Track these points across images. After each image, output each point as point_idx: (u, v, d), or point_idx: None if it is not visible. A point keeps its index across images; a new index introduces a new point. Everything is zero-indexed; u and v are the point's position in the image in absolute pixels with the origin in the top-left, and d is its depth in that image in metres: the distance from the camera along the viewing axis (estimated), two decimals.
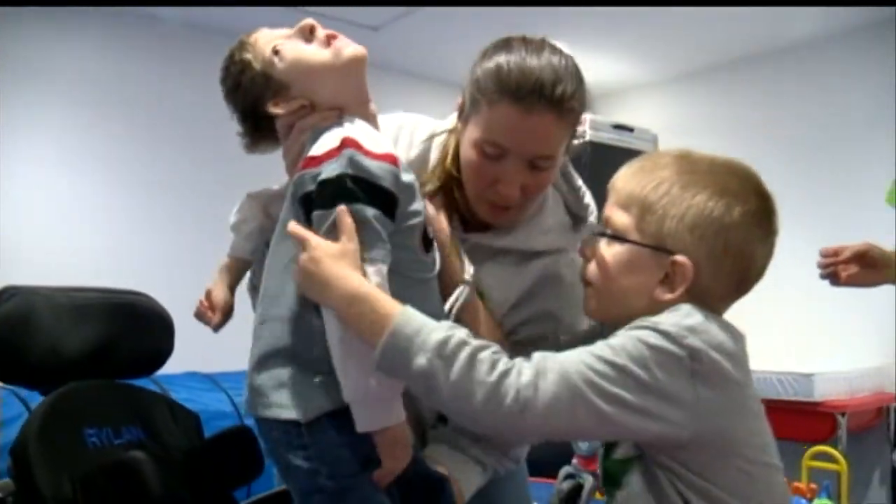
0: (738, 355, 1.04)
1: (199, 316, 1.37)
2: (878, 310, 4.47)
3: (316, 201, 1.10)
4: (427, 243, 1.22)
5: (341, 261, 1.05)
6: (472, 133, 1.28)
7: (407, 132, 1.48)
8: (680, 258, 1.06)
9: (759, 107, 5.20)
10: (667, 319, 1.02)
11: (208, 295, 1.36)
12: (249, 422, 1.31)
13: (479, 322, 1.33)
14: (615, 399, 0.96)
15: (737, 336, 1.06)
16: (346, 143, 1.11)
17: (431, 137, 1.45)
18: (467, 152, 1.30)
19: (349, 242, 1.06)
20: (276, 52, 1.23)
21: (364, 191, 1.09)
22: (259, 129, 1.28)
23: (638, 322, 1.03)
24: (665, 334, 0.99)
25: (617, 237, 1.11)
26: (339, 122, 1.19)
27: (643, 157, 1.18)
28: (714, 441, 1.01)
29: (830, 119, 4.80)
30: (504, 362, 0.98)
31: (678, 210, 1.07)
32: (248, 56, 1.24)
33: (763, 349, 4.70)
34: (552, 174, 1.34)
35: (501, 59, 1.26)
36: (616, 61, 5.38)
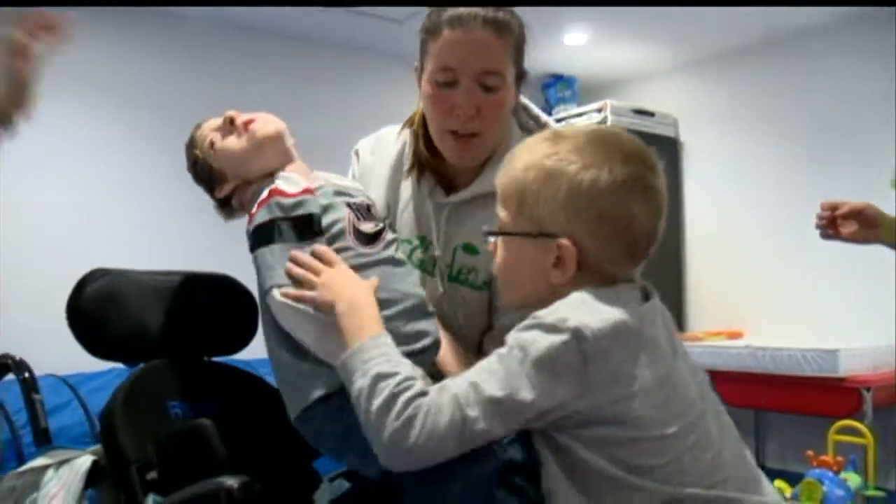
0: (626, 331, 1.02)
1: None
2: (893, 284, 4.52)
3: (253, 244, 1.37)
4: (368, 238, 1.42)
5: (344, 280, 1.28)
6: (427, 71, 1.41)
7: (384, 139, 1.64)
8: (562, 241, 1.07)
9: (781, 92, 5.18)
10: (550, 309, 1.03)
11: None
12: None
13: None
14: (500, 400, 1.00)
15: (634, 308, 1.06)
16: (272, 192, 1.39)
17: (402, 131, 1.61)
18: (425, 90, 1.42)
19: (342, 265, 1.30)
20: (211, 146, 1.53)
21: (286, 225, 1.35)
22: (223, 206, 1.58)
23: (525, 322, 1.04)
24: (547, 327, 1.01)
25: (502, 233, 1.14)
26: (271, 181, 1.44)
27: (516, 148, 1.17)
28: (612, 415, 1.01)
29: (853, 103, 4.83)
30: (413, 407, 1.01)
31: (550, 191, 1.07)
32: (197, 151, 1.56)
33: (788, 327, 4.80)
34: (505, 97, 1.41)
35: (440, 7, 1.40)
36: (636, 47, 5.40)
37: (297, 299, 1.27)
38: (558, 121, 5.52)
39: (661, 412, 1.03)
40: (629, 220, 1.08)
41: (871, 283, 4.54)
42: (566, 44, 5.16)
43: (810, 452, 3.50)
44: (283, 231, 1.34)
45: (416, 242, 1.52)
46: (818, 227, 2.09)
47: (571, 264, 1.07)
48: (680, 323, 5.17)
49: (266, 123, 1.51)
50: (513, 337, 1.03)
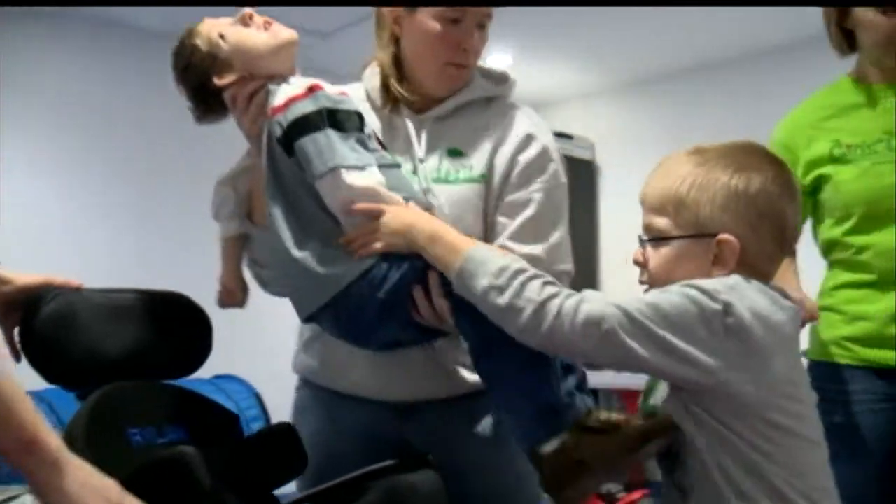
0: (771, 321, 1.13)
1: (224, 302, 1.63)
2: None
3: (304, 128, 1.39)
4: (380, 141, 1.57)
5: (411, 213, 1.36)
6: (429, 12, 1.57)
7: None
8: (724, 236, 1.19)
9: (690, 118, 5.44)
10: (710, 281, 1.15)
11: (220, 286, 1.63)
12: None
13: None
14: (649, 335, 1.10)
15: (781, 305, 1.17)
16: (315, 87, 1.44)
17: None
18: (430, 26, 1.57)
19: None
20: (221, 36, 1.50)
21: (335, 117, 1.42)
22: (206, 103, 1.55)
23: (685, 282, 1.16)
24: (705, 292, 1.12)
25: (661, 238, 1.26)
26: (285, 80, 1.49)
27: (660, 163, 1.33)
28: (738, 393, 1.11)
29: (754, 133, 5.05)
30: (553, 287, 1.15)
31: (707, 196, 1.21)
32: (197, 41, 1.51)
33: None
34: (487, 35, 1.65)
35: None
36: (557, 71, 5.55)
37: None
38: None
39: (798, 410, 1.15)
40: (782, 217, 1.23)
41: None
42: (490, 65, 5.20)
43: None
44: (334, 121, 1.41)
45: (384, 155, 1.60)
46: None
47: (733, 258, 1.19)
48: None
49: (285, 28, 1.54)
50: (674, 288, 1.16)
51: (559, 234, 1.64)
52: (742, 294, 1.13)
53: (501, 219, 1.61)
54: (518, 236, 1.58)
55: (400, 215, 1.34)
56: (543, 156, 1.67)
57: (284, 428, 1.60)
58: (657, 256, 1.27)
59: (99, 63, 4.68)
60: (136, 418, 1.49)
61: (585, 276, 5.51)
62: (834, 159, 1.99)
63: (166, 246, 4.76)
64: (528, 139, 1.67)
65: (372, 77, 1.70)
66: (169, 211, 4.89)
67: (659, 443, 1.15)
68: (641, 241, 1.30)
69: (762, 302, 1.14)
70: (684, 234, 1.23)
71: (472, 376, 1.53)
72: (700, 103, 5.42)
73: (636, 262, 1.31)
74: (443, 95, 1.66)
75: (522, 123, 1.69)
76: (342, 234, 1.40)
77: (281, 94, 1.44)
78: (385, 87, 1.67)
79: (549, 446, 1.18)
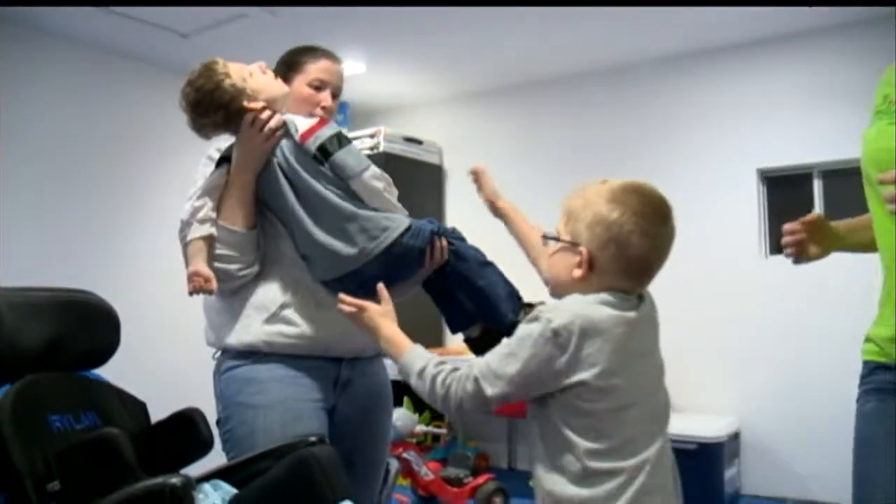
0: (593, 329, 1.43)
1: (199, 289, 1.88)
2: None
3: (334, 146, 1.92)
4: None
5: (385, 318, 1.73)
6: (302, 79, 2.14)
7: None
8: (582, 248, 1.51)
9: (530, 128, 5.87)
10: (553, 306, 1.49)
11: (197, 273, 1.88)
12: None
13: None
14: (502, 376, 1.46)
15: (606, 318, 1.45)
16: (324, 120, 2.01)
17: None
18: (302, 90, 2.13)
19: (388, 305, 1.75)
20: (250, 74, 2.01)
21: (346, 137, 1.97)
22: (228, 123, 1.99)
23: (533, 313, 1.48)
24: (534, 319, 1.46)
25: (554, 238, 1.60)
26: (299, 115, 2.03)
27: (582, 184, 1.62)
28: (565, 396, 1.44)
29: (585, 143, 5.56)
30: (447, 380, 1.52)
31: (584, 215, 1.52)
32: (229, 71, 1.98)
33: None
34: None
35: (296, 46, 2.23)
36: (408, 79, 5.80)
37: None
38: None
39: (617, 392, 1.45)
40: (627, 246, 1.49)
41: None
42: (345, 72, 5.40)
43: None
44: (347, 139, 1.96)
45: None
46: (789, 254, 2.01)
47: (585, 266, 1.50)
48: (439, 339, 5.55)
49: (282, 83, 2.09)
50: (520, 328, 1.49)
51: None
52: (569, 309, 1.46)
53: None
54: None
55: (374, 318, 1.73)
56: None
57: (189, 413, 1.78)
58: (550, 249, 1.63)
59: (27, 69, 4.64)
60: (56, 406, 1.64)
61: None
62: None
63: (82, 247, 4.81)
64: None
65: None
66: (86, 215, 4.91)
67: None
68: (544, 234, 1.72)
69: (587, 310, 1.46)
70: (565, 237, 1.56)
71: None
72: (538, 114, 5.85)
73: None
74: None
75: None
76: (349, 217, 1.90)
77: (303, 126, 1.96)
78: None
79: (475, 331, 1.98)
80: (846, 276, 4.69)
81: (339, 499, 1.54)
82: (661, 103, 5.37)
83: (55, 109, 4.77)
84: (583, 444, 1.42)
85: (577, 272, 1.51)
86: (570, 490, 1.43)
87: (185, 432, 1.77)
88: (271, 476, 1.56)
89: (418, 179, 5.82)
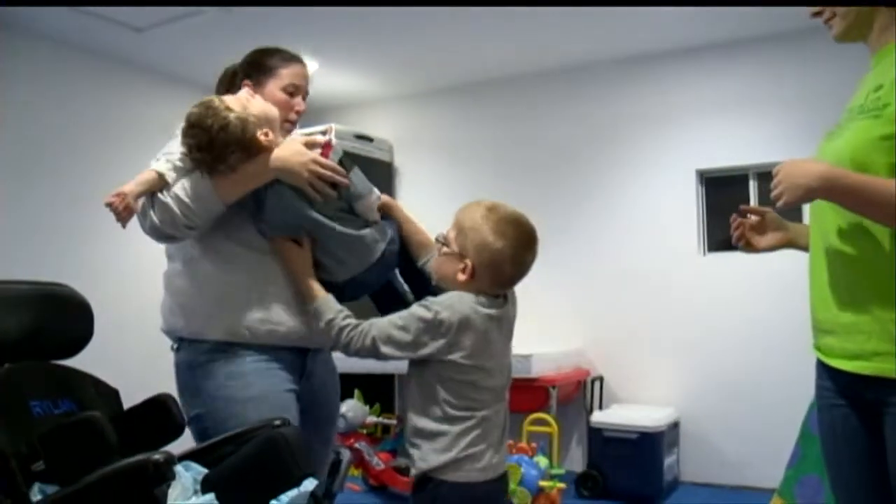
0: (467, 325, 1.85)
1: (114, 208, 1.94)
2: (578, 300, 5.43)
3: (348, 165, 2.07)
4: None
5: (307, 264, 2.06)
6: (276, 84, 2.18)
7: None
8: (468, 262, 1.90)
9: (475, 128, 6.03)
10: (437, 299, 1.90)
11: (124, 195, 1.94)
12: None
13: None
14: (394, 341, 1.87)
15: (477, 317, 1.88)
16: (329, 145, 2.05)
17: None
18: (277, 95, 2.16)
19: (307, 252, 2.04)
20: (247, 100, 2.05)
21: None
22: (236, 158, 1.99)
23: (422, 301, 1.90)
24: (427, 307, 1.86)
25: (445, 244, 1.97)
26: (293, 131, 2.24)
27: (473, 203, 1.97)
28: (440, 366, 1.87)
29: (531, 141, 5.74)
30: (351, 333, 1.90)
31: (472, 236, 1.91)
32: (228, 105, 2.01)
33: None
34: None
35: (268, 48, 2.26)
36: (359, 77, 5.92)
37: None
38: None
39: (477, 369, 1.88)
40: (500, 269, 1.91)
41: (559, 296, 5.39)
42: None
43: (510, 441, 4.05)
44: (353, 162, 2.10)
45: None
46: (735, 242, 2.14)
47: (468, 274, 1.91)
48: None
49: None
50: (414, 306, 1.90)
51: None
52: (453, 307, 1.86)
53: None
54: None
55: (306, 261, 2.06)
56: None
57: (160, 399, 1.89)
58: (440, 252, 1.99)
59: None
60: (36, 392, 1.73)
61: None
62: None
63: (61, 243, 4.89)
64: None
65: None
66: (64, 213, 4.98)
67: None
68: (437, 238, 2.02)
69: (466, 310, 1.86)
70: (454, 248, 1.94)
71: None
72: (486, 113, 6.02)
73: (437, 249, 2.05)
74: None
75: None
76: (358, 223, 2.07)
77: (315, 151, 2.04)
78: None
79: None
80: (781, 272, 4.93)
81: (305, 475, 1.67)
82: (605, 105, 5.58)
83: (17, 104, 4.80)
84: (447, 398, 1.87)
85: (461, 276, 1.91)
86: (432, 425, 1.88)
87: (159, 417, 1.87)
88: (241, 455, 1.68)
89: (369, 176, 5.83)
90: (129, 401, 1.94)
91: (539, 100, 5.80)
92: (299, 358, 2.13)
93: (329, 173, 1.99)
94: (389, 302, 2.15)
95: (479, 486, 1.89)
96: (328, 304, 1.97)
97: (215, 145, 1.96)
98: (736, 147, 5.17)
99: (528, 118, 5.85)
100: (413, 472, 1.94)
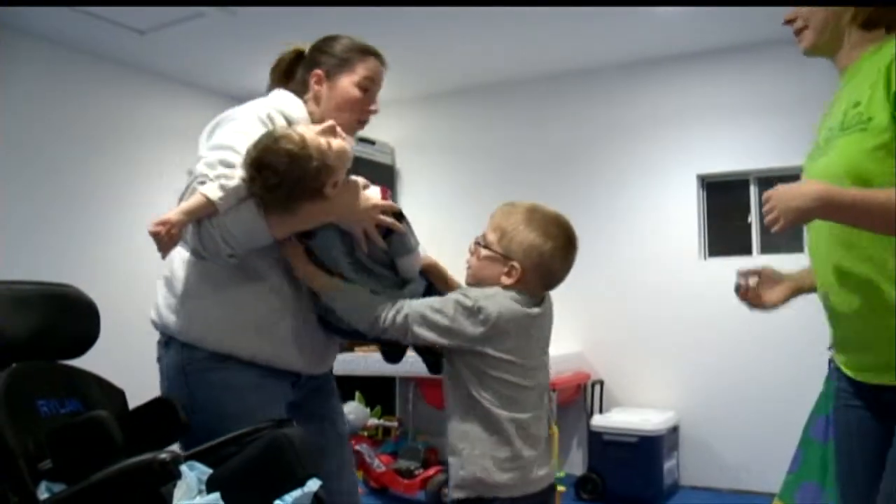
0: (508, 319, 1.84)
1: (159, 237, 1.77)
2: (579, 304, 5.44)
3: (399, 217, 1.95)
4: None
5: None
6: (350, 80, 2.06)
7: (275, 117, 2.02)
8: (515, 263, 1.90)
9: (476, 132, 6.05)
10: (475, 290, 1.90)
11: (172, 224, 1.77)
12: None
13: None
14: (429, 322, 1.85)
15: (519, 312, 1.87)
16: (386, 190, 1.99)
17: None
18: (351, 92, 2.05)
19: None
20: (328, 146, 1.84)
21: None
22: (313, 195, 1.86)
23: (464, 291, 1.91)
24: (466, 295, 1.86)
25: (487, 247, 1.94)
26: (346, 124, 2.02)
27: (509, 204, 1.98)
28: (478, 360, 1.85)
29: (535, 145, 5.75)
30: (379, 306, 1.88)
31: (518, 239, 1.91)
32: (310, 153, 1.81)
33: None
34: None
35: (349, 38, 2.14)
36: None
37: None
38: None
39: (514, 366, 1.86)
40: (549, 270, 1.94)
41: (559, 299, 5.40)
42: None
43: None
44: (403, 215, 1.97)
45: None
46: (743, 300, 2.16)
47: (515, 276, 1.90)
48: None
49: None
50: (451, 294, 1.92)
51: None
52: (494, 299, 1.85)
53: None
54: None
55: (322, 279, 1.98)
56: None
57: (163, 401, 1.90)
58: (478, 254, 1.97)
59: None
60: (43, 392, 1.74)
61: None
62: None
63: (62, 244, 4.93)
64: None
65: (299, 112, 2.06)
66: (66, 214, 5.02)
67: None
68: (476, 241, 1.98)
69: (507, 304, 1.86)
70: (498, 250, 1.92)
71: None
72: (489, 117, 6.04)
73: (471, 252, 2.00)
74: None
75: None
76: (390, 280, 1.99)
77: (373, 191, 1.95)
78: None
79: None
80: None
81: (309, 476, 1.68)
82: (607, 109, 5.61)
83: (19, 106, 4.82)
84: (487, 397, 1.84)
85: (506, 280, 1.90)
86: (470, 428, 1.85)
87: (164, 417, 1.88)
88: (245, 455, 1.69)
89: (370, 180, 5.92)
90: (134, 401, 1.95)
91: (541, 103, 5.83)
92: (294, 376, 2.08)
93: (390, 220, 1.90)
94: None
95: (525, 500, 1.84)
96: (353, 287, 1.93)
97: (282, 190, 1.81)
98: (737, 152, 5.19)
99: (530, 121, 5.87)
100: (454, 482, 1.88)
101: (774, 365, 4.92)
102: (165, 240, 1.77)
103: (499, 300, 1.85)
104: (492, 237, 1.95)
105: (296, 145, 1.79)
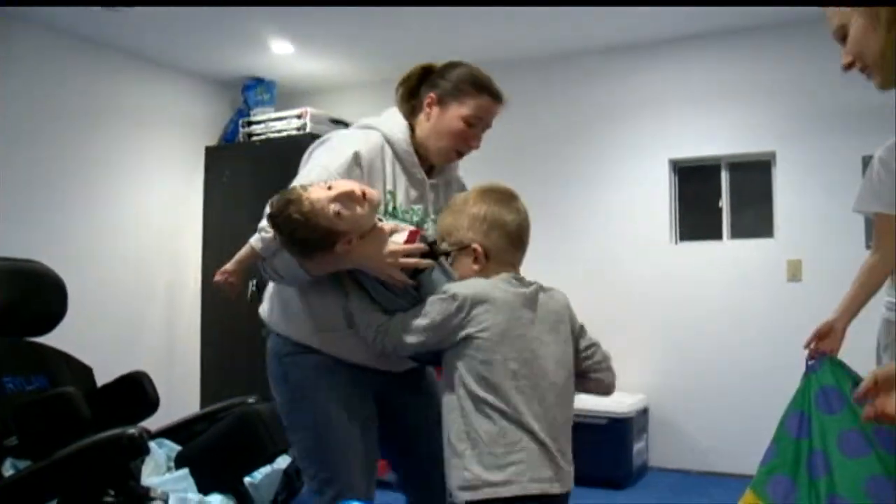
0: (482, 297, 1.78)
1: (220, 287, 2.05)
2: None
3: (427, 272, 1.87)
4: None
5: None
6: (457, 112, 2.08)
7: (370, 145, 2.09)
8: (474, 245, 1.86)
9: None
10: (455, 284, 1.84)
11: (234, 276, 2.05)
12: None
13: None
14: (414, 327, 1.82)
15: (505, 290, 1.81)
16: (415, 233, 1.91)
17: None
18: (455, 124, 2.07)
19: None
20: (338, 216, 1.81)
21: None
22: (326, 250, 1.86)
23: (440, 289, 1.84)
24: (442, 290, 1.81)
25: (447, 253, 1.91)
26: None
27: (445, 206, 2.01)
28: (464, 347, 1.78)
29: (509, 131, 5.75)
30: (377, 335, 1.87)
31: (461, 223, 1.89)
32: (320, 220, 1.81)
33: None
34: None
35: (469, 69, 2.17)
36: (334, 60, 5.86)
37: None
38: (257, 123, 5.81)
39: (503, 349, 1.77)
40: (502, 223, 1.87)
41: None
42: (273, 52, 5.47)
43: None
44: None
45: (417, 209, 2.12)
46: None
47: (482, 257, 1.85)
48: None
49: (374, 191, 1.90)
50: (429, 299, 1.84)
51: None
52: (467, 284, 1.82)
53: None
54: None
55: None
56: None
57: (134, 376, 1.89)
58: (453, 260, 1.92)
59: None
60: (9, 368, 1.73)
61: None
62: None
63: (30, 219, 4.79)
64: None
65: (399, 132, 2.12)
66: (39, 192, 4.91)
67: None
68: (444, 250, 1.92)
69: (481, 285, 1.81)
70: (455, 248, 1.89)
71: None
72: None
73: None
74: (443, 165, 2.20)
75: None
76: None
77: (401, 236, 1.89)
78: (415, 151, 2.12)
79: None
80: (751, 261, 5.01)
81: (279, 451, 1.68)
82: (579, 94, 5.61)
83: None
84: (477, 392, 1.75)
85: (476, 266, 1.87)
86: (465, 424, 1.76)
87: (132, 394, 1.87)
88: (215, 431, 1.69)
89: None
90: (102, 378, 1.94)
91: (511, 89, 5.76)
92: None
93: (413, 262, 1.86)
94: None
95: (525, 500, 1.72)
96: (362, 305, 1.93)
97: (295, 247, 1.87)
98: (709, 137, 5.22)
99: (506, 106, 5.84)
100: (457, 483, 1.78)
101: (744, 348, 4.97)
102: (227, 287, 2.04)
103: (471, 284, 1.82)
104: (444, 243, 1.91)
105: (302, 214, 1.81)
